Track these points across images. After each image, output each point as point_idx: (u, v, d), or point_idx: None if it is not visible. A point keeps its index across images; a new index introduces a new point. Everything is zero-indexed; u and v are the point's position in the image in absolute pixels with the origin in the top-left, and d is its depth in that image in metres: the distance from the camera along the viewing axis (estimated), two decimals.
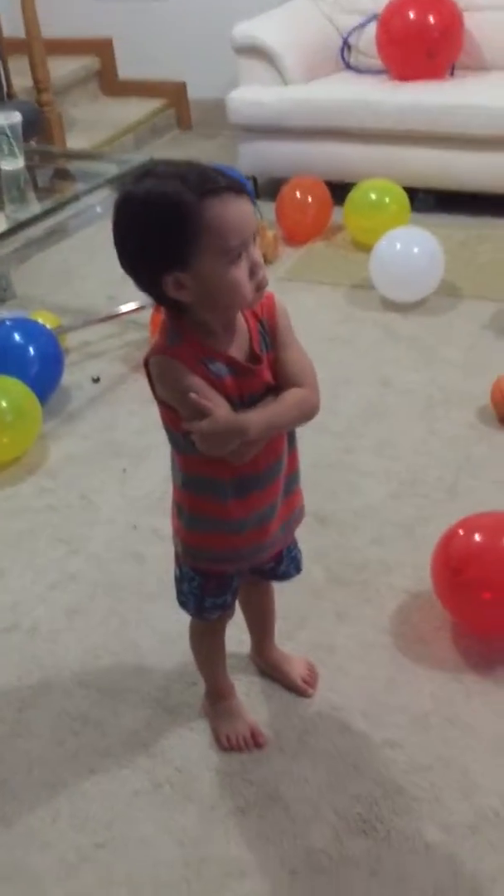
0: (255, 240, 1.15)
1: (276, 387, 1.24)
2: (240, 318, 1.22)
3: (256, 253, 1.15)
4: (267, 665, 1.66)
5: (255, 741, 1.53)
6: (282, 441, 1.30)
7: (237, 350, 1.21)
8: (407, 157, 3.44)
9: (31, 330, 2.46)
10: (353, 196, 3.25)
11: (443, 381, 2.52)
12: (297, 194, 3.36)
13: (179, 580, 1.42)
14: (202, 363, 1.18)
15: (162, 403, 1.23)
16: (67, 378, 2.60)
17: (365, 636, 1.74)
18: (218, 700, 1.58)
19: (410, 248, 2.81)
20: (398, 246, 2.83)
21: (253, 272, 1.14)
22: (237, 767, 1.51)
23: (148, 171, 1.14)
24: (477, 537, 1.68)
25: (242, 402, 1.21)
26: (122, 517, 2.12)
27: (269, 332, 1.25)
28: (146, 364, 1.21)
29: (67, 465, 2.32)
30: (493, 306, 2.86)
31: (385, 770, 1.49)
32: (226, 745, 1.53)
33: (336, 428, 2.33)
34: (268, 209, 3.35)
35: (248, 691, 1.63)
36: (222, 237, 1.10)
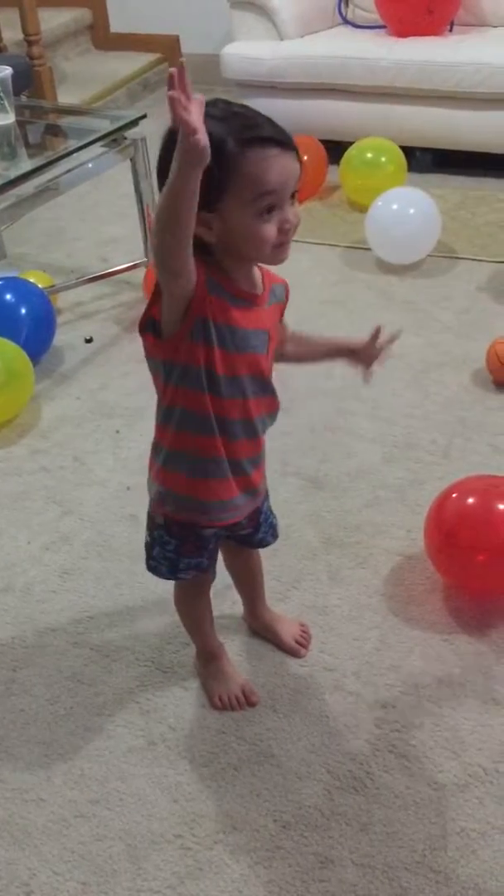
0: (293, 197, 1.13)
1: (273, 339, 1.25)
2: (257, 275, 1.22)
3: (292, 212, 1.14)
4: (259, 626, 1.67)
5: (247, 700, 1.55)
6: (261, 406, 1.28)
7: (250, 289, 1.21)
8: (404, 114, 3.39)
9: (22, 290, 2.43)
10: (349, 155, 3.21)
11: (438, 344, 2.51)
12: None
13: (150, 545, 1.41)
14: (206, 282, 1.15)
15: (147, 335, 1.20)
16: (60, 338, 2.58)
17: (357, 598, 1.75)
18: (209, 661, 1.59)
19: (407, 209, 2.78)
20: (394, 207, 2.80)
21: (282, 230, 1.13)
22: (230, 725, 1.53)
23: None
24: (470, 500, 1.68)
25: (251, 331, 1.20)
26: (116, 478, 2.12)
27: (282, 300, 1.26)
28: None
29: (60, 427, 2.31)
30: (489, 268, 2.84)
31: (376, 729, 1.51)
32: (219, 704, 1.55)
33: (330, 391, 2.33)
34: None
35: (240, 652, 1.65)
36: (255, 189, 1.09)
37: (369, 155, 3.17)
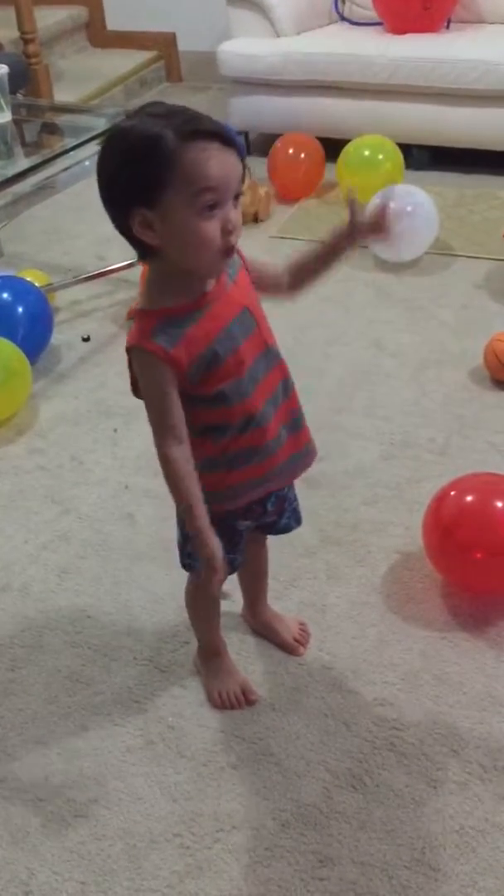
0: (237, 199, 1.11)
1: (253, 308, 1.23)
2: None
3: (235, 214, 1.11)
4: (259, 624, 1.67)
5: (246, 698, 1.55)
6: (274, 379, 1.28)
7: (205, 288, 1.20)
8: (401, 112, 3.38)
9: (19, 289, 2.43)
10: (346, 152, 3.21)
11: (435, 342, 2.51)
12: (290, 151, 3.31)
13: (182, 544, 1.41)
14: (154, 330, 1.15)
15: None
16: (57, 337, 2.57)
17: (356, 596, 1.75)
18: (210, 658, 1.59)
19: (404, 207, 2.78)
20: (392, 205, 2.78)
21: (225, 230, 1.10)
22: (229, 724, 1.53)
23: (142, 108, 1.12)
24: (468, 498, 1.68)
25: (224, 329, 1.19)
26: (114, 477, 2.12)
27: (239, 264, 1.23)
28: (128, 352, 1.20)
29: (58, 426, 2.31)
30: (487, 265, 2.84)
31: (375, 727, 1.51)
32: (218, 702, 1.55)
33: (328, 389, 2.32)
34: (259, 165, 3.30)
35: (240, 650, 1.65)
36: (195, 184, 1.06)
37: (366, 152, 3.17)
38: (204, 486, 1.27)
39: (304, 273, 1.32)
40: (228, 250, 1.12)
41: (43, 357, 2.51)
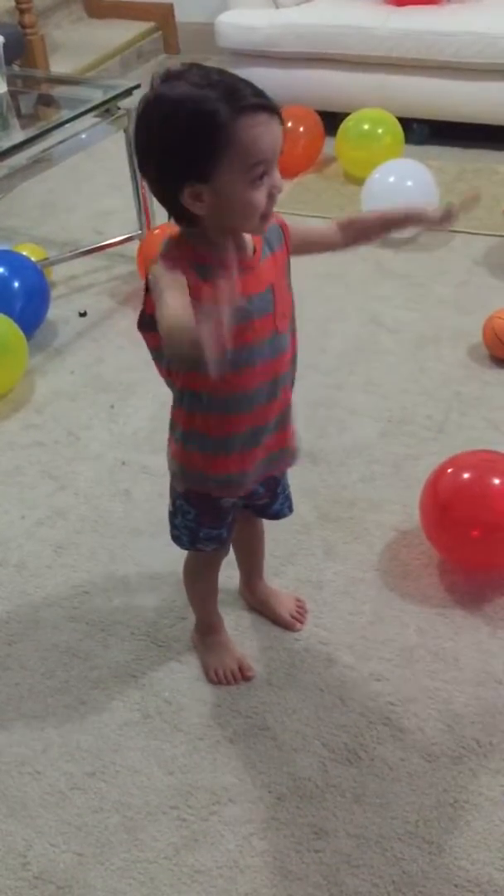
0: (276, 162, 1.12)
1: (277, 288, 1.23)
2: (246, 235, 1.20)
3: (278, 177, 1.12)
4: (255, 600, 1.68)
5: (243, 675, 1.56)
6: (276, 368, 1.27)
7: (240, 255, 1.18)
8: (401, 85, 3.34)
9: (15, 263, 2.41)
10: (345, 126, 3.17)
11: (434, 318, 2.50)
12: (288, 124, 3.26)
13: (173, 514, 1.42)
14: (194, 268, 1.14)
15: (147, 332, 1.20)
16: (54, 312, 2.56)
17: (353, 572, 1.75)
18: (208, 634, 1.59)
19: (404, 182, 2.76)
20: (391, 179, 2.77)
21: (271, 196, 1.12)
22: (226, 699, 1.54)
23: (180, 73, 1.09)
24: (465, 475, 1.68)
25: (248, 300, 1.18)
26: (110, 453, 2.11)
27: (283, 235, 1.24)
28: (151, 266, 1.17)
29: (54, 401, 2.30)
30: (486, 241, 2.82)
31: (371, 702, 1.52)
32: (214, 678, 1.56)
33: (326, 365, 2.32)
34: None
35: (236, 626, 1.65)
36: (250, 157, 1.07)
37: (366, 126, 3.14)
38: (184, 464, 1.28)
39: (361, 235, 1.38)
40: (269, 213, 1.14)
41: (39, 332, 2.50)
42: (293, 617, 1.65)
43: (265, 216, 1.13)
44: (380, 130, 3.12)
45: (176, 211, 1.15)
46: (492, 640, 1.61)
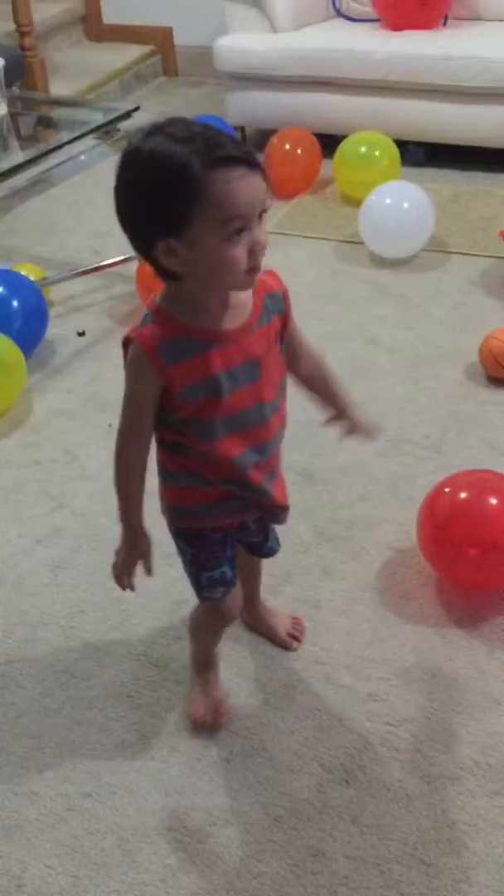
0: (261, 218, 1.08)
1: (261, 359, 1.20)
2: (240, 296, 1.17)
3: (261, 233, 1.07)
4: (253, 620, 1.67)
5: (214, 719, 1.50)
6: (261, 434, 1.26)
7: (230, 322, 1.16)
8: (398, 108, 3.38)
9: (14, 282, 2.42)
10: (342, 149, 3.21)
11: (431, 339, 2.51)
12: (286, 146, 3.31)
13: (182, 560, 1.41)
14: (166, 351, 1.14)
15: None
16: (52, 332, 2.57)
17: (350, 592, 1.75)
18: (200, 670, 1.55)
19: (401, 204, 2.78)
20: (388, 201, 2.79)
21: (252, 252, 1.07)
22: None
23: (161, 127, 1.07)
24: (463, 495, 1.69)
25: (227, 371, 1.17)
26: (108, 472, 2.09)
27: (284, 305, 1.22)
28: (126, 342, 1.18)
29: (52, 420, 2.30)
30: (482, 263, 2.84)
31: (368, 722, 1.51)
32: (192, 718, 1.51)
33: None
34: None
35: (234, 645, 1.65)
36: (223, 211, 1.03)
37: (363, 149, 3.17)
38: (172, 503, 1.33)
39: (314, 386, 1.37)
40: (254, 269, 1.10)
41: (38, 351, 2.51)
42: (290, 636, 1.64)
43: (251, 270, 1.09)
44: (377, 153, 3.16)
45: (156, 267, 1.12)
46: (489, 660, 1.61)
